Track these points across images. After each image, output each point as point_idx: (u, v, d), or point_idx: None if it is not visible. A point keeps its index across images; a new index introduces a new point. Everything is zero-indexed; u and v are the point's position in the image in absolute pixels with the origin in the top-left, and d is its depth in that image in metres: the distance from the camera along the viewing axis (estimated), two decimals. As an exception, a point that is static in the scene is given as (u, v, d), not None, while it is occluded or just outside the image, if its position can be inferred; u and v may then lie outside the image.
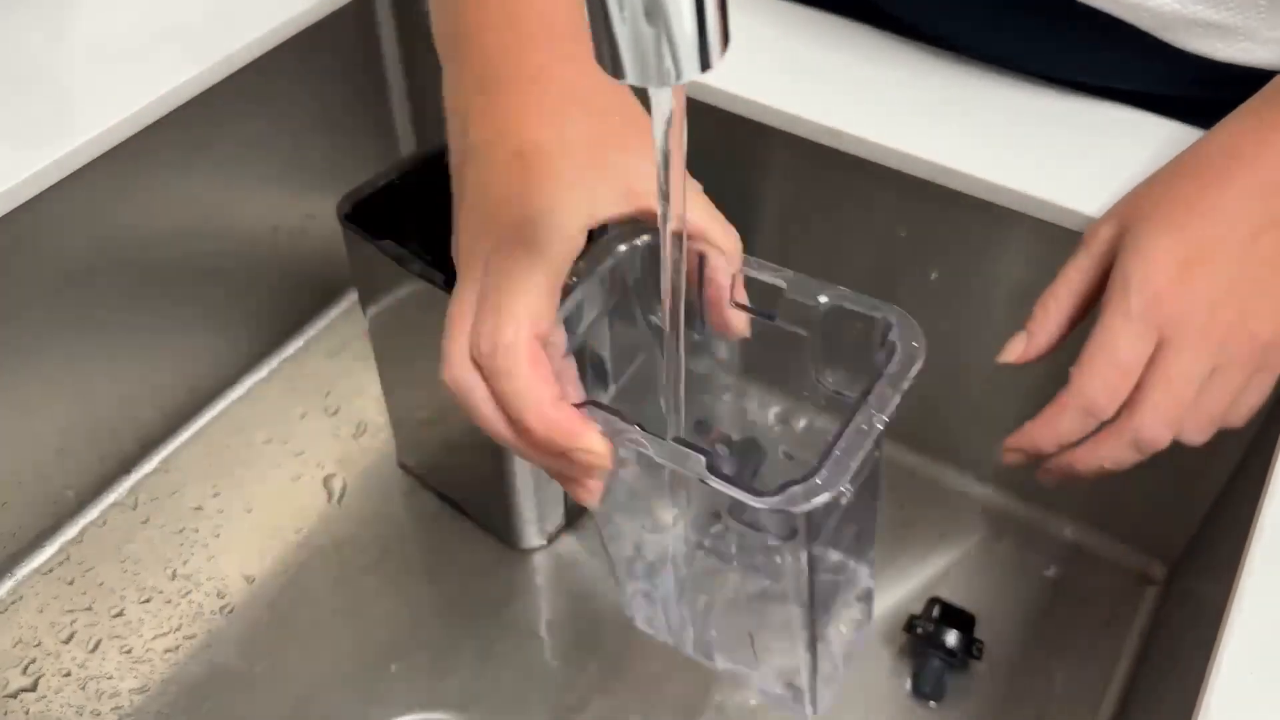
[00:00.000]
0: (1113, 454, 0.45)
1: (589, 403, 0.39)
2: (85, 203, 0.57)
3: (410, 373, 0.62)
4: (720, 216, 0.42)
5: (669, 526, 0.48)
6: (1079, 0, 0.52)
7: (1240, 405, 0.45)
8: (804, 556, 0.41)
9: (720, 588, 0.50)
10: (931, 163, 0.54)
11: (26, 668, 0.60)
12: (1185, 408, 0.44)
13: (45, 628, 0.61)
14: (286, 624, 0.62)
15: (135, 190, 0.60)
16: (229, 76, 0.61)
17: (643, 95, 0.29)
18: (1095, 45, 0.55)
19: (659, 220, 0.34)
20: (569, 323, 0.41)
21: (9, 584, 0.63)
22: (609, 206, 0.40)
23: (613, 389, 0.48)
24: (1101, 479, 0.46)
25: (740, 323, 0.43)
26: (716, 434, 0.68)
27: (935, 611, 0.59)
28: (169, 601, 0.63)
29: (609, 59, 0.27)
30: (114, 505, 0.67)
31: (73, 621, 0.62)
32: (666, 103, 0.30)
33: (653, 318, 0.46)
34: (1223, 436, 0.46)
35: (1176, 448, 0.46)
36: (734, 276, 0.41)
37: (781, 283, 0.41)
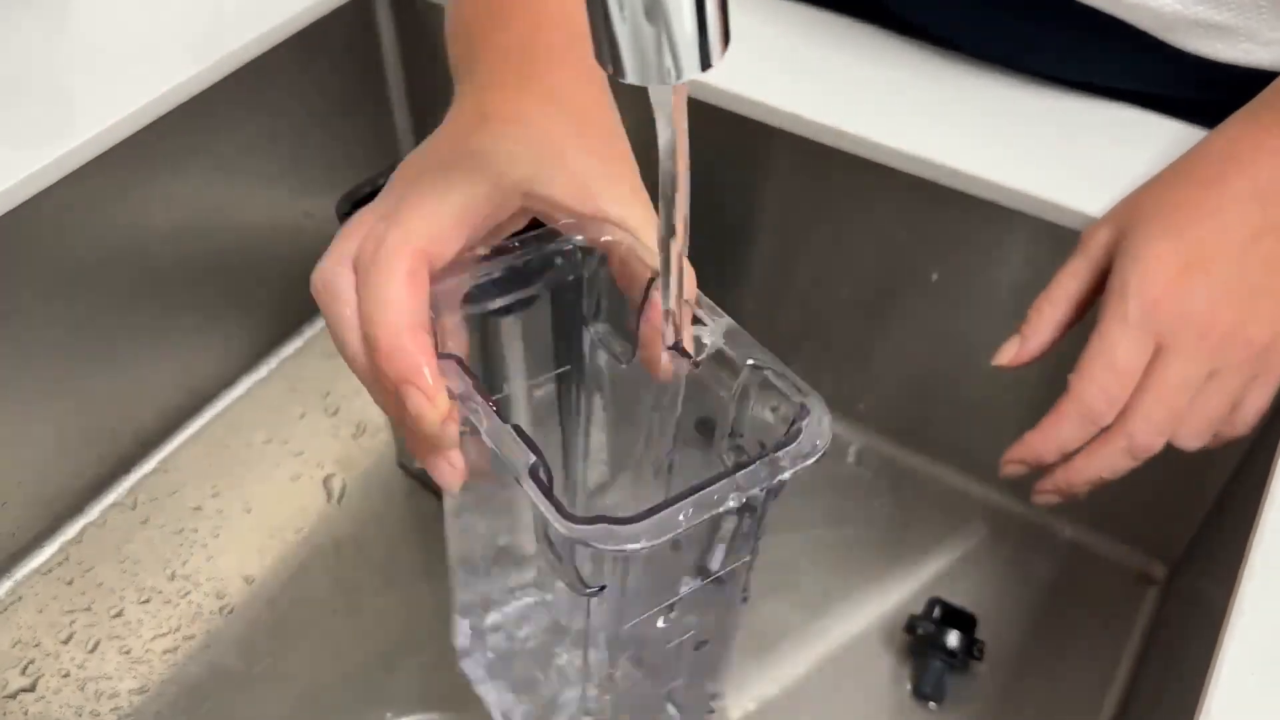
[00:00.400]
0: (1108, 461, 0.45)
1: (452, 356, 0.35)
2: (84, 203, 0.57)
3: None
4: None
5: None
6: (1080, 1, 0.52)
7: (1243, 412, 0.45)
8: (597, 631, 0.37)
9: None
10: (933, 162, 0.54)
11: (25, 668, 0.60)
12: (1179, 414, 0.44)
13: (44, 628, 0.61)
14: (286, 624, 0.62)
15: (134, 190, 0.60)
16: (228, 76, 0.61)
17: (642, 94, 0.29)
18: (1097, 46, 0.55)
19: (660, 226, 0.34)
20: (481, 291, 0.37)
21: (8, 584, 0.63)
22: (556, 189, 0.37)
23: (506, 389, 0.44)
24: (1098, 488, 0.46)
25: (668, 365, 0.38)
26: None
27: (936, 612, 0.59)
28: (168, 602, 0.63)
29: (609, 58, 0.27)
30: (113, 505, 0.66)
31: (72, 622, 0.62)
32: (667, 102, 0.30)
33: (592, 331, 0.42)
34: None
35: (1178, 449, 0.46)
36: (678, 312, 0.36)
37: (720, 335, 0.37)
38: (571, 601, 0.42)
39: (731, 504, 0.32)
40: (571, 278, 0.40)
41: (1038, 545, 0.65)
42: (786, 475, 0.33)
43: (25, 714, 0.58)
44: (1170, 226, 0.45)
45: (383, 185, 0.56)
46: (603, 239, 0.38)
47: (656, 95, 0.30)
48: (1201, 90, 0.54)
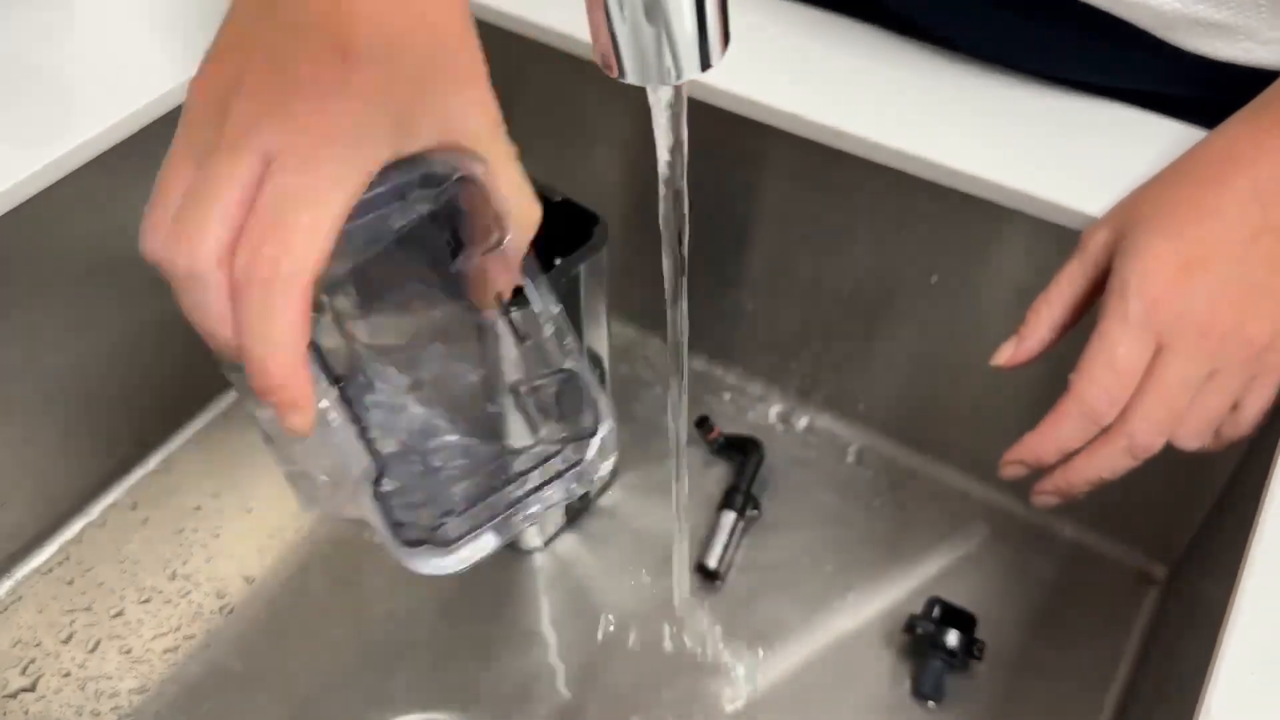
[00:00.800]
0: (1108, 462, 0.45)
1: (314, 346, 0.36)
2: (85, 203, 0.57)
3: (410, 373, 0.62)
4: (530, 193, 0.39)
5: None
6: (1080, 0, 0.52)
7: (1244, 412, 0.45)
8: None
9: None
10: (932, 162, 0.54)
11: (26, 668, 0.60)
12: (1179, 413, 0.44)
13: (45, 628, 0.61)
14: (286, 624, 0.62)
15: (134, 190, 0.59)
16: (229, 76, 0.61)
17: (642, 94, 0.29)
18: (1096, 45, 0.55)
19: (662, 226, 0.34)
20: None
21: (8, 584, 0.63)
22: (419, 143, 0.36)
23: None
24: (1098, 489, 0.46)
25: (491, 309, 0.39)
26: (716, 433, 0.69)
27: (936, 612, 0.59)
28: (168, 602, 0.63)
29: (609, 58, 0.27)
30: (113, 505, 0.66)
31: (72, 622, 0.62)
32: (667, 102, 0.30)
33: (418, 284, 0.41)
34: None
35: (1178, 449, 0.46)
36: (513, 262, 0.37)
37: (548, 322, 0.38)
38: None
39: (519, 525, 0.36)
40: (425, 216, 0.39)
41: (1038, 545, 0.65)
42: (563, 493, 0.36)
43: (26, 713, 0.58)
44: (1170, 226, 0.45)
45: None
46: (458, 175, 0.37)
47: (656, 95, 0.30)
48: (1201, 89, 0.54)
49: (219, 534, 0.65)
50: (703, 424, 0.69)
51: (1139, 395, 0.44)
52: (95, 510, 0.66)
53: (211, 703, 0.59)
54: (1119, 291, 0.44)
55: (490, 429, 0.43)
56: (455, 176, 0.37)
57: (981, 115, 0.56)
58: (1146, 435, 0.44)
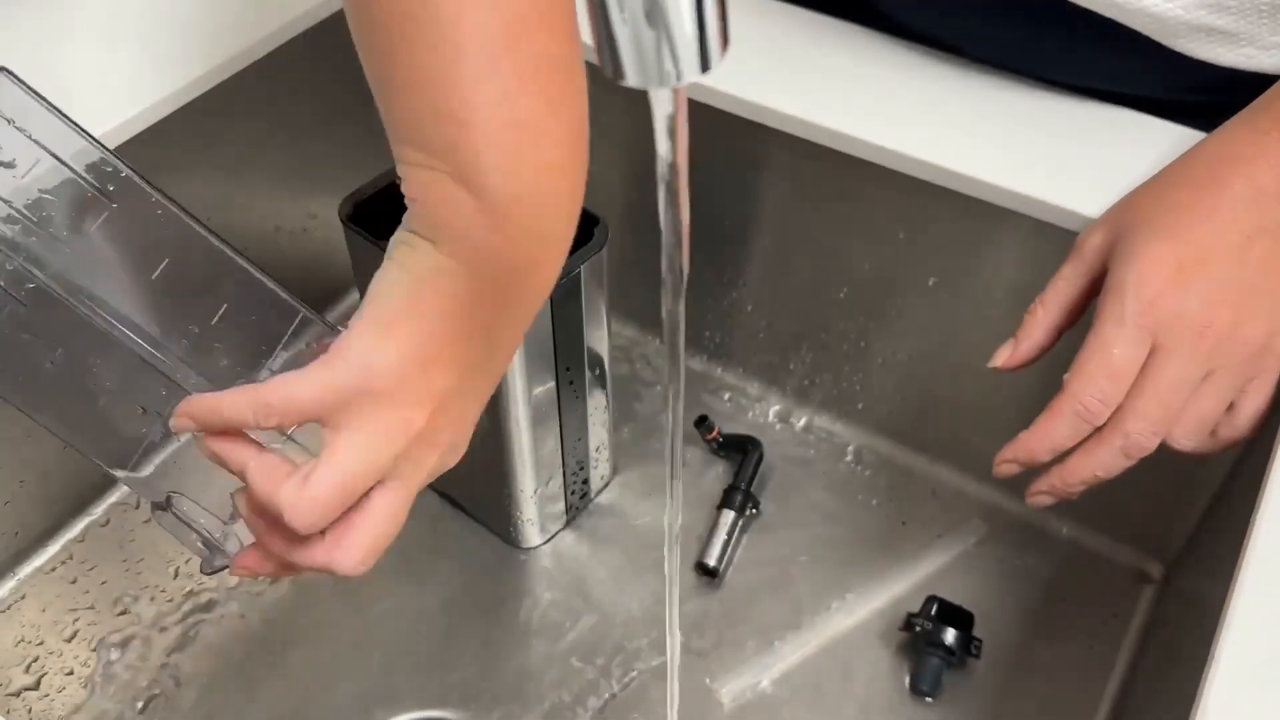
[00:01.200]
0: (1103, 461, 0.45)
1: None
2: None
3: (411, 372, 0.62)
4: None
5: None
6: (1081, 5, 0.53)
7: (1241, 413, 0.45)
8: None
9: None
10: (931, 164, 0.55)
11: (29, 666, 0.60)
12: (1173, 414, 0.44)
13: (48, 626, 0.61)
14: (286, 624, 0.62)
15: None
16: (231, 77, 0.61)
17: (641, 96, 0.29)
18: (1097, 50, 0.55)
19: (662, 228, 0.34)
20: None
21: (12, 583, 0.63)
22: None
23: None
24: (1092, 488, 0.47)
25: None
26: (716, 433, 0.69)
27: (933, 610, 0.60)
28: (171, 600, 0.63)
29: (609, 61, 0.28)
30: (116, 504, 0.67)
31: (75, 620, 0.62)
32: (667, 104, 0.30)
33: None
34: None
35: (1175, 449, 0.46)
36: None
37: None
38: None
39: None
40: None
41: (1035, 544, 0.65)
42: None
43: (29, 712, 0.58)
44: (1167, 228, 0.45)
45: (385, 186, 0.56)
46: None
47: (656, 98, 0.30)
48: (1203, 95, 0.54)
49: (221, 533, 0.66)
50: (702, 423, 0.69)
51: (1134, 395, 0.44)
52: (98, 509, 0.66)
53: (213, 701, 0.59)
54: (1115, 292, 0.45)
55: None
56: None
57: (980, 117, 0.56)
58: (1141, 435, 0.44)
